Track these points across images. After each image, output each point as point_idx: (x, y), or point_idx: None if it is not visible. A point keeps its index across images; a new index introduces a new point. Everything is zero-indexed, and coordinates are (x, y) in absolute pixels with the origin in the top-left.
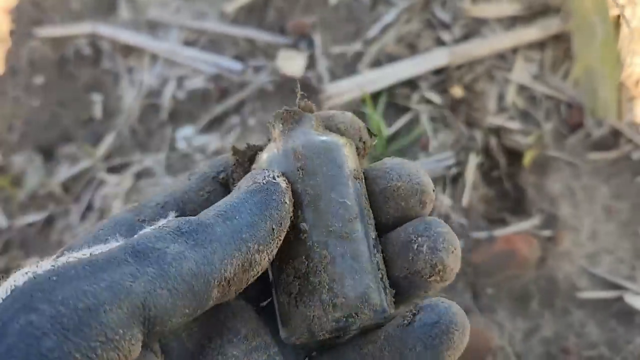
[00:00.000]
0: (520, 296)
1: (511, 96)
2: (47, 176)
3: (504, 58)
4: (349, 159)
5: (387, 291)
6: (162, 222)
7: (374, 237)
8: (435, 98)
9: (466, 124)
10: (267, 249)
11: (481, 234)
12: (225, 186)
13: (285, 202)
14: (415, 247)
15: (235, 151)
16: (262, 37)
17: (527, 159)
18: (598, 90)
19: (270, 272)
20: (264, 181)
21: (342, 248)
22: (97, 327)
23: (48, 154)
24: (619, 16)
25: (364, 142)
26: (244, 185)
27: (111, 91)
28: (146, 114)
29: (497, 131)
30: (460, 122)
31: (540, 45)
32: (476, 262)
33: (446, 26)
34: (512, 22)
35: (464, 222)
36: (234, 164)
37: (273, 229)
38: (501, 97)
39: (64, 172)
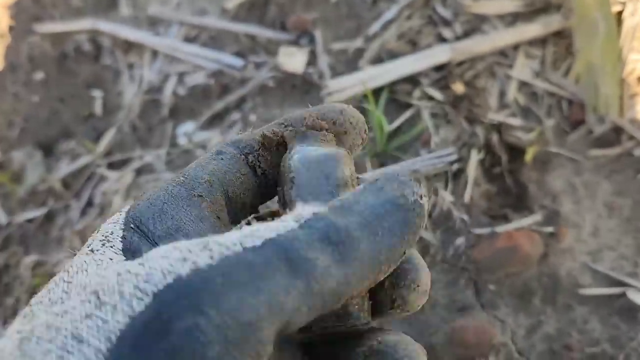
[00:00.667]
0: (523, 293)
1: (512, 93)
2: (47, 172)
3: (505, 55)
4: (338, 169)
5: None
6: (304, 216)
7: None
8: (437, 94)
9: (467, 120)
10: (386, 274)
11: (483, 230)
12: (253, 169)
13: (421, 229)
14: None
15: (264, 137)
16: (263, 33)
17: (529, 155)
18: (600, 86)
19: None
20: (413, 198)
21: None
22: (253, 344)
23: (48, 150)
24: (620, 12)
25: (366, 134)
26: (389, 189)
27: (111, 87)
28: (147, 110)
29: (499, 127)
30: (461, 118)
31: (541, 41)
32: (478, 258)
33: (447, 23)
34: (513, 18)
35: (465, 218)
36: (259, 148)
37: (404, 253)
38: (502, 94)
39: (64, 168)
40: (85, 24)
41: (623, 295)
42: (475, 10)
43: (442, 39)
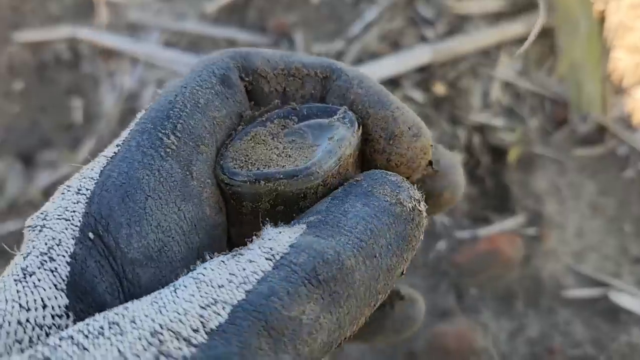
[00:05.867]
0: (505, 296)
1: (495, 93)
2: (27, 183)
3: (488, 55)
4: None
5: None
6: (278, 250)
7: None
8: (418, 96)
9: (449, 121)
10: (381, 302)
11: (465, 234)
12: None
13: (420, 241)
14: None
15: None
16: (243, 37)
17: (512, 156)
18: (583, 85)
19: None
20: (411, 205)
21: None
22: None
23: (28, 161)
24: (602, 11)
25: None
26: (380, 194)
27: (91, 96)
28: (126, 118)
29: (481, 128)
30: (443, 120)
31: (524, 41)
32: (460, 262)
33: (429, 23)
34: (496, 18)
35: (447, 221)
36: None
37: (402, 274)
38: (485, 94)
39: (45, 178)
40: (64, 31)
41: (606, 296)
42: (458, 10)
43: (424, 40)
